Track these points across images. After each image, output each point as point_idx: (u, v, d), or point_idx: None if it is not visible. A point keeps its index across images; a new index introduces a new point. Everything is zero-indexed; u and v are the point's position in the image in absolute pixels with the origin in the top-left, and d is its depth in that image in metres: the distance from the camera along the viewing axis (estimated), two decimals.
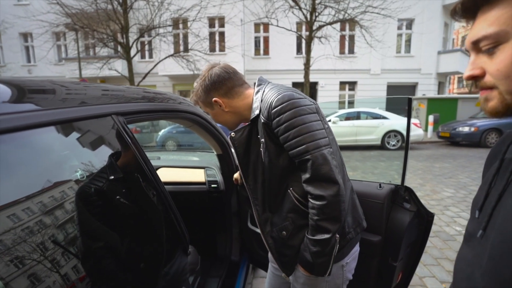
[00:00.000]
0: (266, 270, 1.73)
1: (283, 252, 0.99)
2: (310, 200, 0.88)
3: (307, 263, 0.91)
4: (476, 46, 0.45)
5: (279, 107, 0.87)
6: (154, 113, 0.96)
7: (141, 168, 0.79)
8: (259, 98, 0.96)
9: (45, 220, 0.53)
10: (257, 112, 0.94)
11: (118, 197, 0.73)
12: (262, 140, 0.93)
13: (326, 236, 0.86)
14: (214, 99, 1.01)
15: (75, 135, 0.65)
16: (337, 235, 0.89)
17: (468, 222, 0.53)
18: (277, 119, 0.87)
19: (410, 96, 1.17)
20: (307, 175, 0.87)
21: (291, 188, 0.95)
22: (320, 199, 0.85)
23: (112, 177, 0.70)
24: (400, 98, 11.31)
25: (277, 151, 0.92)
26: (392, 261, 1.24)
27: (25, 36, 15.75)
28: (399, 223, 1.22)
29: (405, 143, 1.20)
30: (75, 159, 0.67)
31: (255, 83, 1.03)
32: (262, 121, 0.91)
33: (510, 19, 0.40)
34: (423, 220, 1.26)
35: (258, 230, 1.64)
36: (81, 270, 0.58)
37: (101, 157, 0.70)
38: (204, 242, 1.96)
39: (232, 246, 1.90)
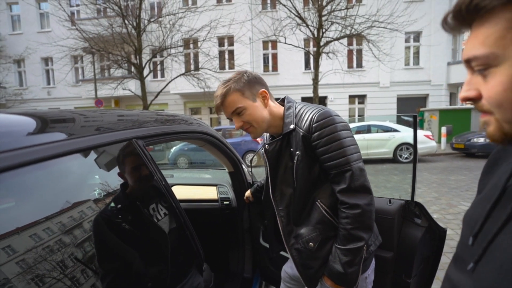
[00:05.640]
0: (279, 287, 1.72)
1: (308, 265, 1.01)
2: (344, 210, 0.92)
3: (338, 275, 0.93)
4: (469, 64, 0.41)
5: (321, 121, 0.93)
6: (169, 135, 1.03)
7: (159, 188, 0.84)
8: (292, 114, 1.02)
9: (65, 239, 0.58)
10: (291, 126, 0.99)
11: (137, 217, 0.78)
12: (298, 152, 0.98)
13: (359, 244, 0.90)
14: (261, 89, 1.02)
15: (100, 159, 0.72)
16: (365, 246, 0.93)
17: (459, 243, 0.50)
18: (319, 132, 0.93)
19: (415, 114, 1.20)
20: (343, 186, 0.92)
21: (319, 200, 0.99)
22: (356, 207, 0.90)
23: (132, 197, 0.76)
24: (410, 110, 11.21)
25: (310, 164, 0.97)
26: (405, 277, 1.23)
27: (46, 60, 16.65)
28: (410, 239, 1.22)
29: (413, 159, 1.22)
30: (99, 181, 0.73)
31: (283, 99, 1.10)
32: (301, 134, 0.96)
33: (499, 40, 0.35)
34: (435, 235, 1.25)
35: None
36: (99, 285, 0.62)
37: (122, 177, 0.76)
38: (217, 259, 1.98)
39: (244, 263, 1.91)
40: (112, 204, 0.71)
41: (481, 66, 0.38)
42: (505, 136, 0.40)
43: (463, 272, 0.45)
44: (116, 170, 0.75)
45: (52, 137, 0.62)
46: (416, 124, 1.23)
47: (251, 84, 1.01)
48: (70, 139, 0.64)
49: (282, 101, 1.12)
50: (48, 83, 16.98)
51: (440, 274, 2.47)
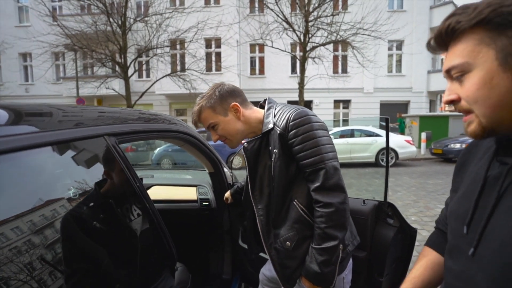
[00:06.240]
0: None
1: (286, 264, 1.01)
2: (318, 208, 0.93)
3: (314, 275, 0.94)
4: (449, 74, 0.51)
5: (298, 120, 0.95)
6: (145, 133, 1.01)
7: (130, 187, 0.83)
8: (272, 114, 1.04)
9: (34, 239, 0.56)
10: (270, 125, 1.02)
11: (105, 215, 0.76)
12: (275, 150, 0.99)
13: (333, 243, 0.91)
14: (233, 103, 1.05)
15: (69, 155, 0.70)
16: (341, 245, 0.94)
17: (452, 236, 0.56)
18: (295, 130, 0.95)
19: (387, 117, 1.25)
20: (317, 184, 0.93)
21: (295, 200, 1.00)
22: (329, 206, 0.91)
23: (100, 196, 0.74)
24: (393, 115, 11.55)
25: (287, 162, 0.99)
26: (378, 276, 1.26)
27: (24, 56, 16.01)
28: (383, 239, 1.25)
29: (385, 161, 1.25)
30: (68, 178, 0.71)
31: (265, 100, 1.13)
32: (278, 132, 0.98)
33: (471, 52, 0.46)
34: (407, 235, 1.30)
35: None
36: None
37: (92, 176, 0.75)
38: (196, 260, 1.96)
39: (223, 264, 1.90)
40: (80, 202, 0.69)
41: (458, 73, 0.49)
42: (484, 131, 0.48)
43: (462, 259, 0.51)
44: (84, 166, 0.73)
45: (20, 130, 0.60)
46: (388, 126, 1.28)
47: (222, 99, 1.05)
48: (37, 132, 0.63)
49: (264, 102, 1.14)
50: (26, 80, 16.32)
51: None
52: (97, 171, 0.77)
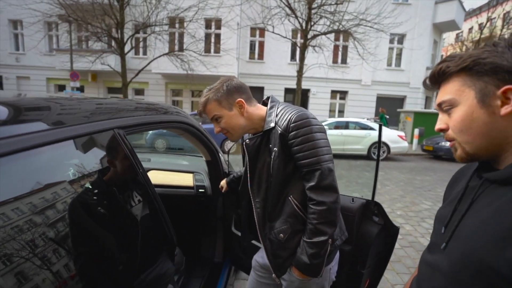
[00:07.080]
0: (247, 272, 1.82)
1: (278, 254, 1.10)
2: (311, 206, 1.01)
3: (304, 265, 1.03)
4: (440, 107, 0.62)
5: (298, 122, 1.01)
6: (150, 124, 1.05)
7: (137, 177, 0.88)
8: (274, 113, 1.10)
9: (36, 219, 0.59)
10: (272, 124, 1.07)
11: (113, 202, 0.81)
12: (275, 149, 1.06)
13: (323, 238, 1.00)
14: (238, 99, 1.10)
15: (82, 148, 0.74)
16: (330, 240, 1.02)
17: (433, 234, 0.69)
18: (295, 132, 1.01)
19: (381, 123, 1.31)
20: (312, 183, 1.01)
21: (291, 196, 1.08)
22: (322, 204, 0.99)
23: (110, 185, 0.79)
24: (390, 109, 11.61)
25: (286, 160, 1.06)
26: (360, 268, 1.36)
27: (15, 23, 15.39)
28: (367, 235, 1.34)
29: (376, 163, 1.32)
30: (79, 167, 0.75)
31: (268, 98, 1.17)
32: (279, 132, 1.04)
33: (457, 91, 0.59)
34: (389, 232, 1.39)
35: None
36: (72, 268, 0.65)
37: (102, 165, 0.79)
38: (190, 244, 2.04)
39: (215, 249, 1.99)
40: (90, 191, 0.74)
41: (448, 106, 0.61)
42: (468, 155, 0.59)
43: (437, 253, 0.62)
44: (97, 159, 0.78)
45: (37, 127, 0.63)
46: (381, 133, 1.34)
47: (229, 94, 1.09)
48: (52, 129, 0.66)
49: (267, 99, 1.18)
50: (17, 49, 15.75)
51: (394, 266, 2.71)
52: (109, 163, 0.81)
